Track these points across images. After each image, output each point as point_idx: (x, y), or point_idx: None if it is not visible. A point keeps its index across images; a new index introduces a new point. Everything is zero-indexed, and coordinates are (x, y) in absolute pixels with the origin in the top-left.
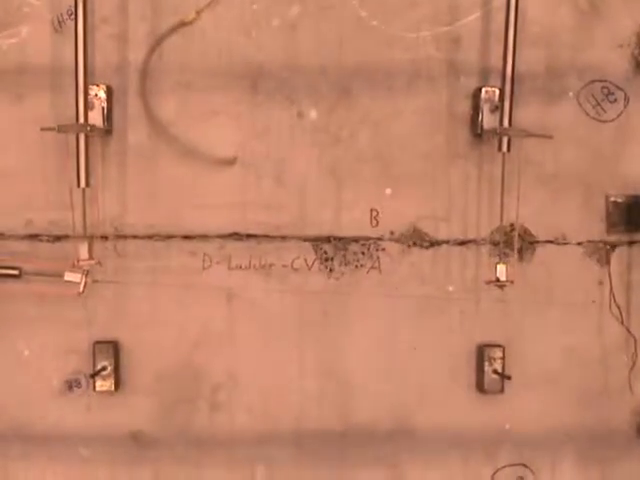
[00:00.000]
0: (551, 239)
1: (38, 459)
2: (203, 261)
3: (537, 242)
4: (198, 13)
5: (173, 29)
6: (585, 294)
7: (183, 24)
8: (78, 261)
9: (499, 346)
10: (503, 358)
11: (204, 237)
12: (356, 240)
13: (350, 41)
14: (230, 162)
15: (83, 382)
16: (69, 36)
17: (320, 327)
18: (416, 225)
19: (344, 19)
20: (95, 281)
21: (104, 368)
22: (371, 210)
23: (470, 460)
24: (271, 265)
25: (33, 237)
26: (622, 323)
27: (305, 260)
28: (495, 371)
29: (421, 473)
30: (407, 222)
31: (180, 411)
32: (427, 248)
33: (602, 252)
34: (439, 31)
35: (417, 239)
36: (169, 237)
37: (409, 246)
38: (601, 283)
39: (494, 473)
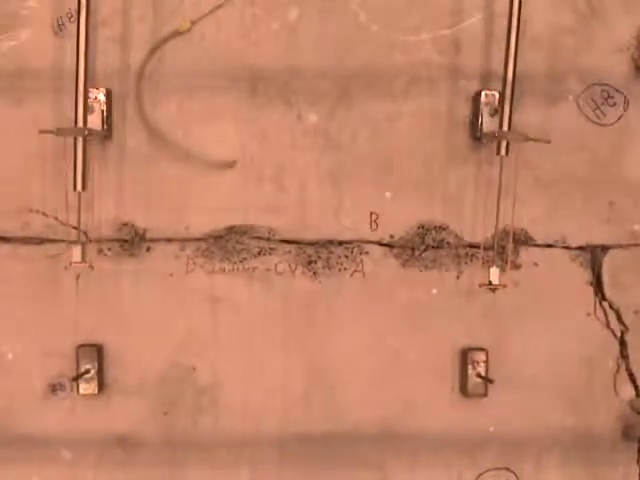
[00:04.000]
0: (543, 243)
1: (22, 462)
2: (187, 264)
3: (530, 245)
4: (193, 23)
5: (168, 38)
6: (572, 297)
7: (178, 33)
8: (71, 264)
9: (482, 349)
10: (487, 362)
11: (202, 240)
12: (356, 243)
13: (350, 44)
14: (230, 165)
15: (67, 385)
16: (69, 39)
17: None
18: (416, 228)
19: (344, 23)
20: None
21: (87, 371)
22: (371, 213)
23: (454, 463)
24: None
25: (28, 240)
26: (608, 327)
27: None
28: (479, 375)
29: (406, 476)
30: (407, 225)
31: (164, 414)
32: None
33: (591, 255)
34: (439, 34)
35: (417, 242)
36: (157, 240)
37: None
38: (588, 286)
39: (478, 476)
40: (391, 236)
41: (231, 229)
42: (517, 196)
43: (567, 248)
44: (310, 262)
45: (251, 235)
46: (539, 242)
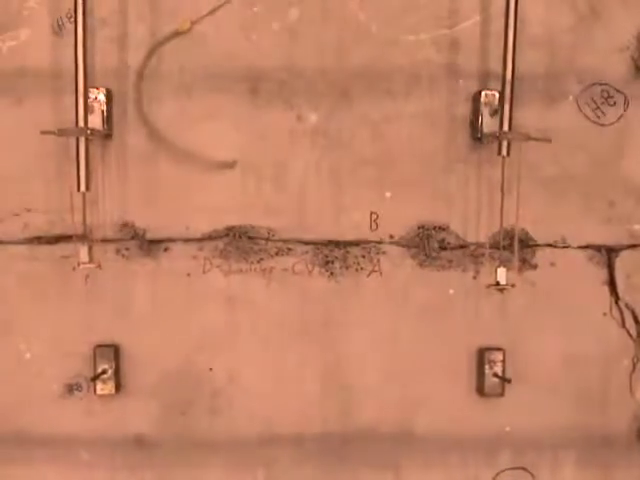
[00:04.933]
0: (551, 242)
1: (39, 463)
2: (204, 265)
3: (537, 245)
4: (193, 23)
5: (167, 38)
6: (586, 297)
7: (178, 33)
8: (79, 264)
9: (499, 349)
10: (503, 361)
11: (204, 240)
12: (356, 244)
13: (349, 45)
14: (230, 165)
15: (84, 385)
16: (69, 39)
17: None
18: (416, 228)
19: (343, 23)
20: None
21: (104, 371)
22: (371, 213)
23: (470, 463)
24: (271, 269)
25: (33, 240)
26: (623, 326)
27: (305, 264)
28: (495, 374)
29: (422, 476)
30: (407, 225)
31: (181, 414)
32: (427, 251)
33: (603, 256)
34: (438, 34)
35: (417, 242)
36: (169, 240)
37: (409, 249)
38: (602, 287)
39: (494, 476)
40: (391, 236)
41: (231, 229)
42: (517, 196)
43: (567, 247)
44: (327, 262)
45: (250, 235)
46: (539, 242)
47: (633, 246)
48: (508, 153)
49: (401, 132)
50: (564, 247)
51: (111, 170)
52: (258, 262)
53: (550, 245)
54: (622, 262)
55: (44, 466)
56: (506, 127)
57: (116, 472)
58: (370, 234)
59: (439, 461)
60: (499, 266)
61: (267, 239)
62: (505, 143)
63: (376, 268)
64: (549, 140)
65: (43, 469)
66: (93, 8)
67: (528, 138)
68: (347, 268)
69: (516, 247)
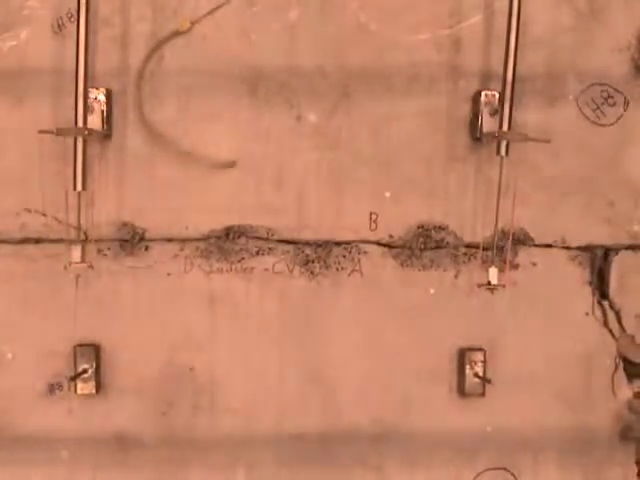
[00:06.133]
0: (551, 242)
1: (20, 462)
2: (185, 264)
3: (530, 245)
4: (193, 23)
5: (168, 38)
6: (568, 297)
7: (178, 33)
8: (70, 264)
9: (480, 349)
10: (484, 362)
11: (203, 240)
12: (354, 243)
13: (349, 44)
14: (229, 165)
15: (65, 385)
16: (69, 39)
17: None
18: (415, 228)
19: (344, 23)
20: None
21: (85, 371)
22: (370, 213)
23: (452, 463)
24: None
25: (24, 240)
26: (605, 326)
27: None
28: (476, 375)
29: (403, 476)
30: (406, 225)
31: (162, 414)
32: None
33: (591, 256)
34: (439, 34)
35: (415, 242)
36: (151, 240)
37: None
38: (584, 286)
39: (476, 476)
40: (390, 236)
41: (230, 229)
42: (517, 196)
43: (567, 248)
44: (308, 262)
45: (250, 235)
46: (539, 242)
47: (632, 247)
48: (507, 153)
49: (401, 132)
50: (553, 247)
51: (109, 170)
52: (239, 262)
53: (542, 245)
54: (620, 262)
55: (25, 465)
56: (506, 127)
57: (97, 471)
58: (370, 234)
59: (421, 461)
60: (490, 266)
61: (266, 239)
62: (504, 143)
63: (357, 268)
64: (548, 140)
65: (24, 468)
66: (94, 8)
67: (527, 138)
68: (327, 268)
69: (508, 247)
